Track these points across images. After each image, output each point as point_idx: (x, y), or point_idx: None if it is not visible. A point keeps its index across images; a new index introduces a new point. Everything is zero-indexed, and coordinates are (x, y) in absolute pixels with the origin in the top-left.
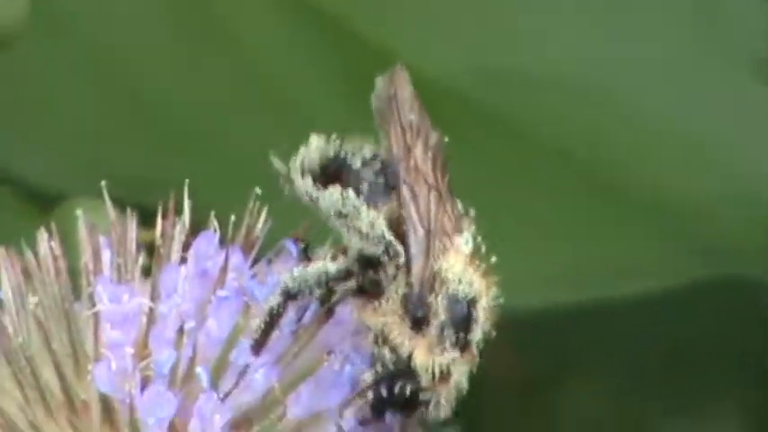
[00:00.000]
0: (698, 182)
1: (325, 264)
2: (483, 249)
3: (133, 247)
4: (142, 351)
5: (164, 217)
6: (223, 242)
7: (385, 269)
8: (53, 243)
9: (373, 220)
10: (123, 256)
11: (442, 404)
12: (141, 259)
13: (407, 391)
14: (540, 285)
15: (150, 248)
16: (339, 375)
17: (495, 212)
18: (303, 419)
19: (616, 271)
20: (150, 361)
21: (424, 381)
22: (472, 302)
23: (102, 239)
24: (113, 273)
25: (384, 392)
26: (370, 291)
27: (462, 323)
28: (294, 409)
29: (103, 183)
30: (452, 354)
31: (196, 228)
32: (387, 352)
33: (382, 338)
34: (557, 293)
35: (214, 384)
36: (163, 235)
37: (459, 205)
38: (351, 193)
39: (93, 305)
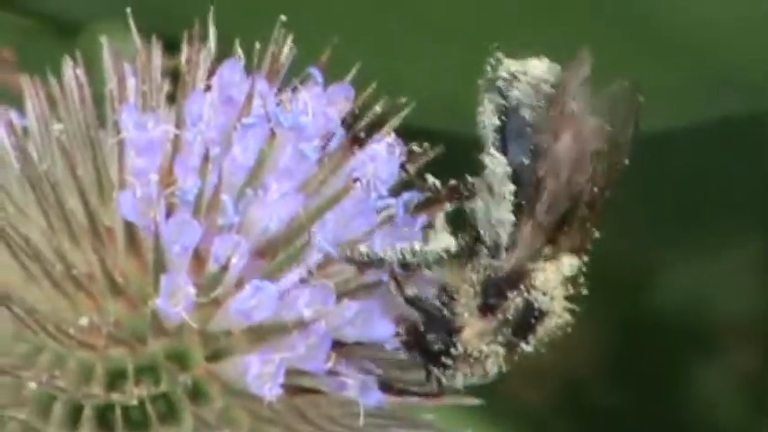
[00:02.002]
0: (730, 15)
1: (447, 245)
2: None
3: (158, 74)
4: (167, 178)
5: (189, 44)
6: (248, 70)
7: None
8: (78, 70)
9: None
10: (148, 84)
11: (457, 378)
12: (166, 87)
13: (436, 349)
14: None
15: (175, 76)
16: (365, 203)
17: (517, 46)
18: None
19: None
20: (175, 188)
21: (457, 353)
22: (541, 316)
23: (127, 67)
24: (138, 100)
25: (418, 335)
26: (463, 254)
27: (523, 330)
28: (319, 237)
29: (128, 10)
30: (496, 348)
31: (221, 56)
32: (444, 309)
33: (448, 297)
34: None
35: (239, 212)
36: (188, 62)
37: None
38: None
39: (118, 132)
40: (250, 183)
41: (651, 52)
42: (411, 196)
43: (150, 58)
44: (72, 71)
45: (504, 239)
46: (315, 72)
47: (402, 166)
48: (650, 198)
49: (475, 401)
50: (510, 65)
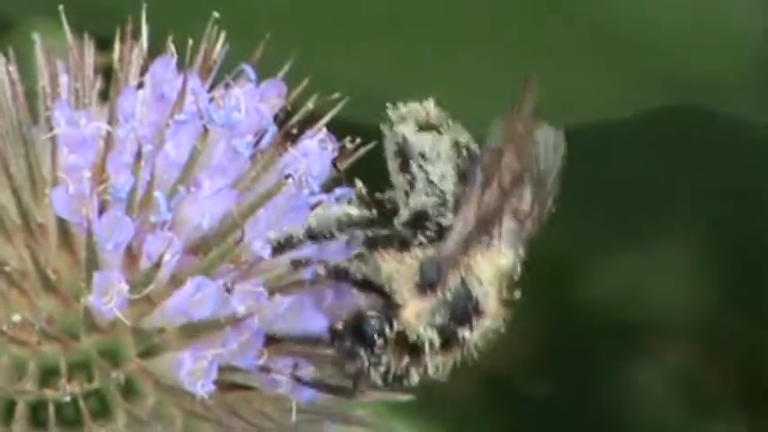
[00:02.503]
0: (668, 14)
1: (345, 208)
2: (514, 282)
3: (91, 71)
4: (100, 175)
5: (121, 41)
6: (181, 67)
7: (423, 228)
8: (10, 67)
9: (446, 172)
10: (81, 81)
11: (380, 368)
12: (99, 84)
13: (371, 329)
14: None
15: (108, 73)
16: (298, 199)
17: (452, 42)
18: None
19: (576, 100)
20: (108, 185)
21: (391, 336)
22: (476, 309)
23: (59, 64)
24: (71, 97)
25: (357, 315)
26: (395, 245)
27: (459, 316)
28: (252, 233)
29: (61, 7)
30: (433, 336)
31: (153, 53)
32: (384, 286)
33: (388, 284)
34: None
35: (171, 209)
36: (120, 59)
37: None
38: (445, 142)
39: (51, 129)
40: (183, 180)
41: (595, 49)
42: (343, 192)
43: (83, 55)
44: (4, 68)
45: (451, 199)
46: (247, 69)
47: (334, 163)
48: (584, 191)
49: (405, 397)
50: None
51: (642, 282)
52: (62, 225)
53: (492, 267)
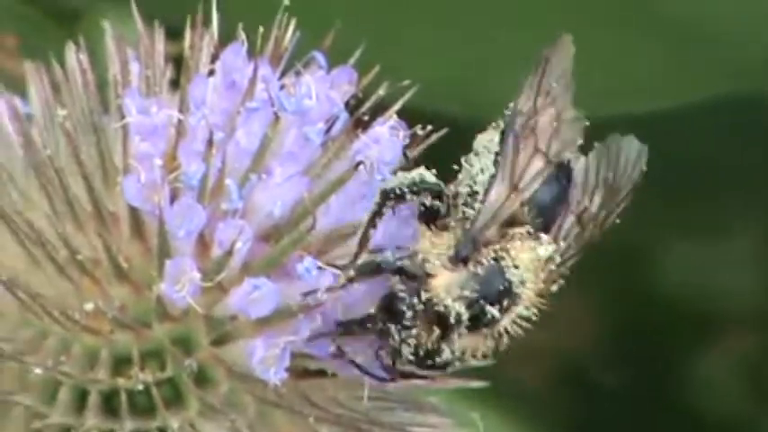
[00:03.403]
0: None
1: (422, 172)
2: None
3: (161, 59)
4: (171, 163)
5: (192, 29)
6: (251, 54)
7: (466, 203)
8: (81, 56)
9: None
10: (151, 69)
11: (410, 342)
12: (169, 72)
13: (399, 301)
14: None
15: (178, 62)
16: (369, 186)
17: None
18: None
19: (634, 88)
20: (179, 173)
21: (419, 306)
22: (508, 292)
23: (130, 52)
24: (142, 85)
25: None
26: (439, 218)
27: (490, 294)
28: (324, 221)
29: None
30: (461, 310)
31: (224, 40)
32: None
33: (421, 258)
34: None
35: (243, 196)
36: (191, 47)
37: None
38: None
39: (122, 117)
40: (254, 167)
41: (645, 33)
42: None
43: (153, 42)
44: (75, 57)
45: (481, 189)
46: (318, 56)
47: (404, 150)
48: (655, 180)
49: (479, 383)
50: None
51: (710, 270)
52: (134, 213)
53: (530, 255)
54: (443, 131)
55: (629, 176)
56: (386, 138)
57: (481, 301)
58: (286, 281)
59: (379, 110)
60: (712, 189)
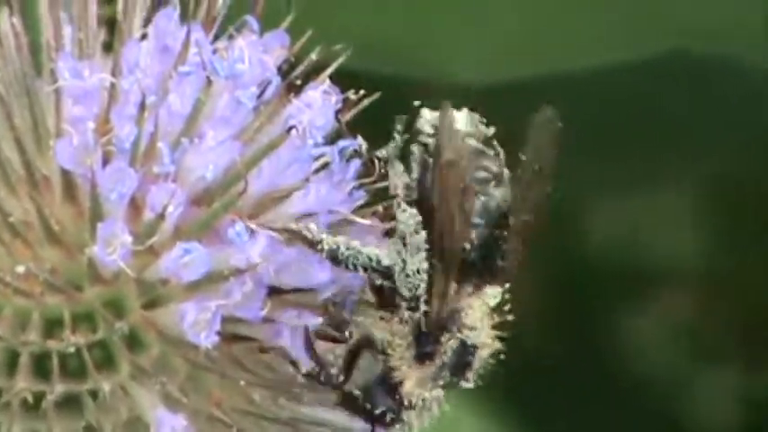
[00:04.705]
0: None
1: (378, 254)
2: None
3: (94, 23)
4: (104, 126)
5: None
6: (184, 18)
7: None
8: (14, 19)
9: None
10: (84, 32)
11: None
12: (102, 35)
13: (379, 411)
14: (502, 58)
15: (111, 25)
16: (301, 151)
17: None
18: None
19: (578, 43)
20: (112, 136)
21: (399, 408)
22: (475, 351)
23: (63, 15)
24: (74, 48)
25: (357, 402)
26: (389, 302)
27: (462, 368)
28: (256, 185)
29: None
30: (438, 393)
31: (157, 4)
32: (381, 364)
33: (382, 351)
34: (517, 67)
35: (175, 160)
36: (124, 11)
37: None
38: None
39: (55, 81)
40: (186, 131)
41: None
42: (347, 144)
43: (86, 6)
44: (8, 20)
45: (422, 289)
46: (250, 20)
47: (337, 114)
48: (587, 138)
49: None
50: (428, 116)
51: (645, 229)
52: (66, 177)
53: (483, 310)
54: (376, 95)
55: (548, 158)
56: (318, 102)
57: (454, 379)
58: (217, 245)
59: (312, 74)
60: (645, 146)
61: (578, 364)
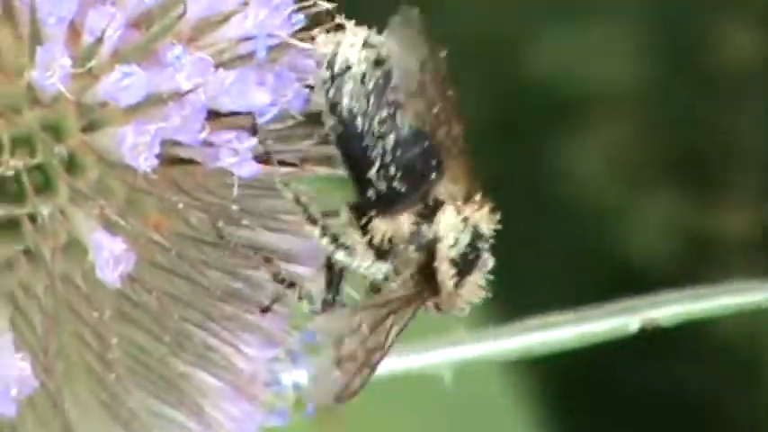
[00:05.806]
0: None
1: (375, 275)
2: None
3: None
4: None
5: None
6: None
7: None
8: None
9: None
10: None
11: None
12: None
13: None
14: None
15: None
16: None
17: None
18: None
19: None
20: None
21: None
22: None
23: None
24: None
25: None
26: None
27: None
28: (195, 8)
29: None
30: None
31: None
32: None
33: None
34: None
35: None
36: None
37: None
38: None
39: None
40: None
41: None
42: None
43: None
44: None
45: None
46: None
47: None
48: None
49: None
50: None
51: (585, 58)
52: (5, 1)
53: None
54: None
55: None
56: None
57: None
58: (157, 68)
59: None
60: None
61: (515, 191)
